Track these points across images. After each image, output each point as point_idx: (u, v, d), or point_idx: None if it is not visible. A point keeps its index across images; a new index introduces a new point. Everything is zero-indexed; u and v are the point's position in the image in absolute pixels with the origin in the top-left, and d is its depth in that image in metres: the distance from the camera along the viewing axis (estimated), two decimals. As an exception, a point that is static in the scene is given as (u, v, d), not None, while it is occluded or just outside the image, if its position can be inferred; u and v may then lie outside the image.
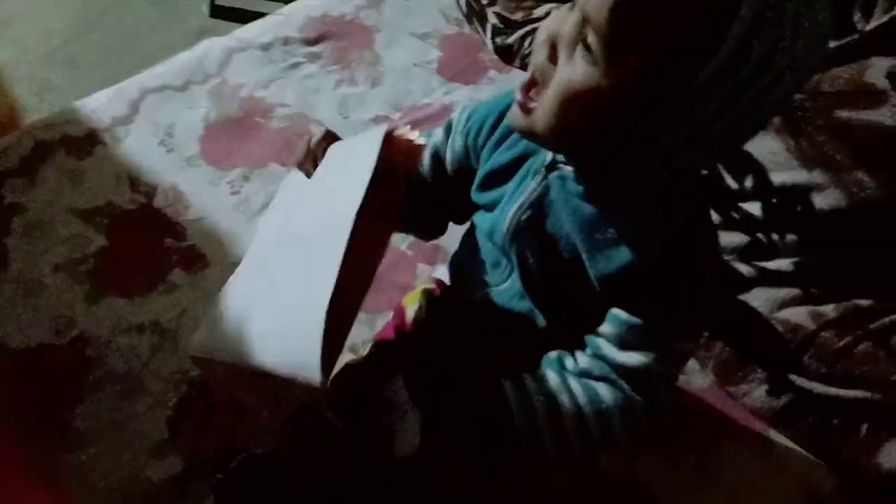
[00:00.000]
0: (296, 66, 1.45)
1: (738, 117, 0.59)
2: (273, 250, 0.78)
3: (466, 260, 0.91)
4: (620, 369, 0.71)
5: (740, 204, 1.06)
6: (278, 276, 0.72)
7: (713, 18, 0.55)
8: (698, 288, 0.69)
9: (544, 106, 0.64)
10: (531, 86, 0.65)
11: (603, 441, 0.71)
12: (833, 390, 1.00)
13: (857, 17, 1.06)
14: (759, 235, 1.05)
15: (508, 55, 1.59)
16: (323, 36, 1.53)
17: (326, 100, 1.41)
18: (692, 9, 0.55)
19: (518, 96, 0.67)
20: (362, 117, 1.39)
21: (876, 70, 0.96)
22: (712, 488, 0.99)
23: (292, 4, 1.59)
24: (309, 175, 0.82)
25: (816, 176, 1.00)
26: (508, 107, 0.78)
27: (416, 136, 0.75)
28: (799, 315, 1.02)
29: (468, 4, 1.65)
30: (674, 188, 0.69)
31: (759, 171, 1.04)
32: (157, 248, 1.13)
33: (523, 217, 0.76)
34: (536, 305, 0.79)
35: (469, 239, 0.91)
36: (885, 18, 0.96)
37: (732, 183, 1.06)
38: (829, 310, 1.01)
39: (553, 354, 0.76)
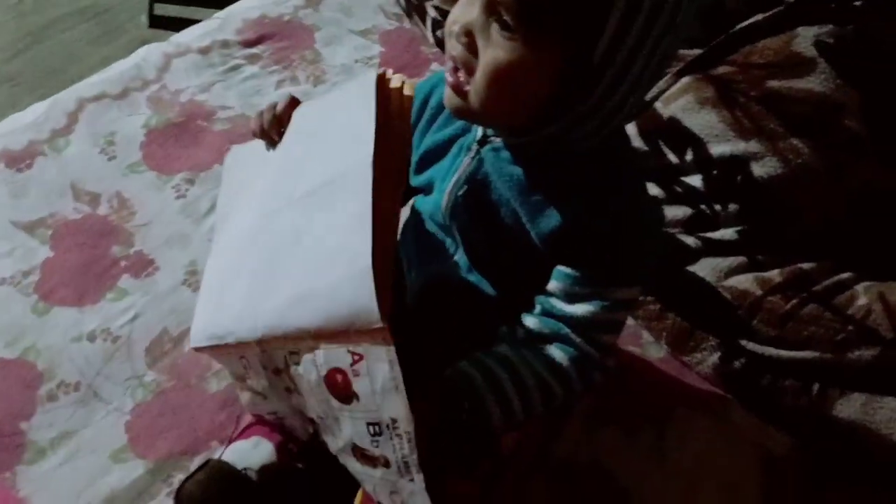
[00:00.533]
0: (236, 68, 1.45)
1: (640, 70, 0.64)
2: (262, 221, 0.77)
3: (411, 245, 0.92)
4: (570, 321, 0.74)
5: (682, 178, 1.09)
6: (284, 242, 0.73)
7: None
8: (637, 235, 0.74)
9: (477, 89, 0.66)
10: (456, 70, 0.68)
11: (565, 397, 0.74)
12: (783, 353, 1.03)
13: (784, -10, 1.10)
14: (702, 207, 1.09)
15: (450, 47, 1.60)
16: (262, 37, 1.53)
17: (269, 100, 1.40)
18: None
19: (449, 78, 0.69)
20: (306, 116, 1.40)
21: (803, 39, 1.00)
22: (672, 463, 1.01)
23: (229, 8, 1.59)
24: (273, 143, 0.82)
25: (753, 146, 1.04)
26: (434, 87, 0.81)
27: (405, 84, 0.74)
28: (746, 282, 1.06)
29: (407, 0, 1.66)
30: (604, 153, 0.72)
31: (698, 144, 1.08)
32: (104, 256, 1.12)
33: (460, 193, 0.79)
34: (486, 277, 0.81)
35: (412, 224, 0.92)
36: (808, -12, 1.00)
37: (673, 157, 1.10)
38: (775, 275, 1.05)
39: (503, 329, 0.78)
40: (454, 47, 0.67)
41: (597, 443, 1.01)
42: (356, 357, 0.67)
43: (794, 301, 1.03)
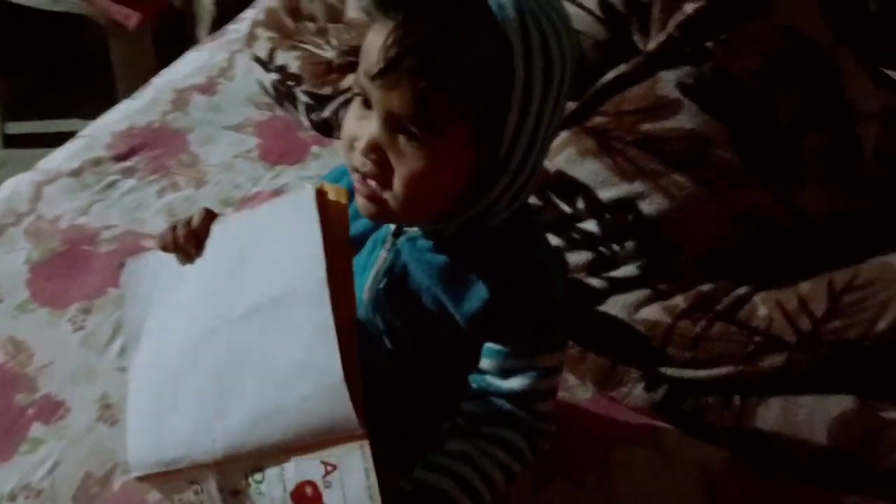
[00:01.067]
0: (112, 185, 1.42)
1: (541, 143, 0.70)
2: (197, 340, 0.76)
3: None
4: (509, 396, 0.77)
5: (577, 224, 1.15)
6: (229, 361, 0.74)
7: (499, 76, 0.64)
8: (552, 302, 0.78)
9: (398, 198, 0.69)
10: (365, 179, 0.70)
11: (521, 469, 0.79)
12: (700, 372, 1.10)
13: (636, 38, 1.19)
14: (601, 249, 1.15)
15: (327, 129, 1.63)
16: (134, 149, 1.51)
17: (153, 212, 1.39)
18: (480, 76, 0.63)
19: (362, 188, 0.71)
20: (194, 221, 1.38)
21: (666, 83, 1.09)
22: (622, 500, 1.05)
23: (94, 124, 1.56)
24: (190, 258, 0.80)
25: (637, 186, 1.11)
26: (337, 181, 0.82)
27: (339, 194, 0.74)
28: (654, 312, 1.12)
29: (275, 89, 1.68)
30: (513, 222, 0.76)
31: (587, 191, 1.14)
32: (8, 407, 1.06)
33: (381, 286, 0.81)
34: (413, 364, 0.85)
35: None
36: (662, 37, 1.09)
37: (566, 208, 1.15)
38: (680, 301, 1.12)
39: (446, 426, 0.80)
40: (362, 163, 0.69)
41: (546, 499, 1.03)
42: (329, 468, 0.69)
43: (703, 322, 1.10)
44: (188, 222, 0.80)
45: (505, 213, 0.74)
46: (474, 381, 0.79)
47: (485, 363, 0.78)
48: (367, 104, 0.68)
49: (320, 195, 0.72)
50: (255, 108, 1.69)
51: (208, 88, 1.71)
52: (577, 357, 1.16)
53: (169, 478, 0.78)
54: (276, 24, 1.80)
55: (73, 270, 1.26)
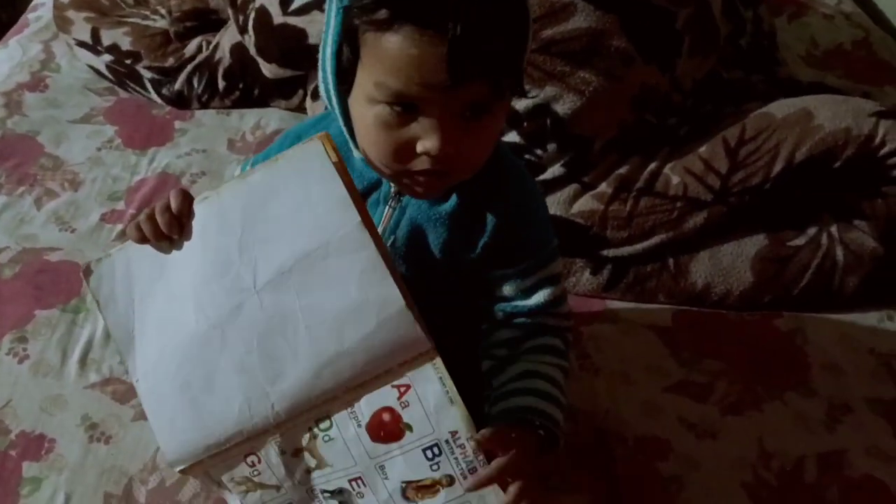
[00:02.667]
0: (-19, 206, 1.33)
1: None
2: (220, 320, 0.77)
3: None
4: (537, 310, 0.86)
5: (501, 139, 1.24)
6: (268, 328, 0.75)
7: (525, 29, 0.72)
8: (545, 216, 0.89)
9: (472, 167, 0.76)
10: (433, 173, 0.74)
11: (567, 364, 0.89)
12: (638, 246, 1.25)
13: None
14: (527, 156, 1.25)
15: (182, 101, 1.60)
16: (-15, 163, 1.40)
17: (40, 224, 1.32)
18: (522, 42, 0.71)
19: (431, 181, 0.75)
20: (89, 223, 1.33)
21: (557, -12, 1.19)
22: (603, 370, 1.19)
23: (-72, 146, 1.43)
24: (173, 244, 0.79)
25: (549, 90, 1.22)
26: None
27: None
28: (587, 203, 1.25)
29: (112, 71, 1.61)
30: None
31: (502, 104, 1.23)
32: (-14, 457, 1.00)
33: (388, 243, 0.85)
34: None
35: None
36: (546, -54, 1.18)
37: (486, 124, 1.24)
38: (604, 188, 1.25)
39: (487, 364, 0.88)
40: (436, 163, 0.72)
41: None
42: (402, 389, 0.74)
43: (630, 202, 1.24)
44: (166, 208, 0.77)
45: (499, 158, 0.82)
46: (499, 309, 0.87)
47: (505, 290, 0.86)
48: (408, 109, 0.70)
49: (326, 142, 0.73)
50: (96, 94, 1.61)
51: (37, 84, 1.61)
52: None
53: (220, 458, 0.80)
54: (87, 4, 1.71)
55: (-15, 303, 1.18)
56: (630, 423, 1.12)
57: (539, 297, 0.86)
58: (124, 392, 1.08)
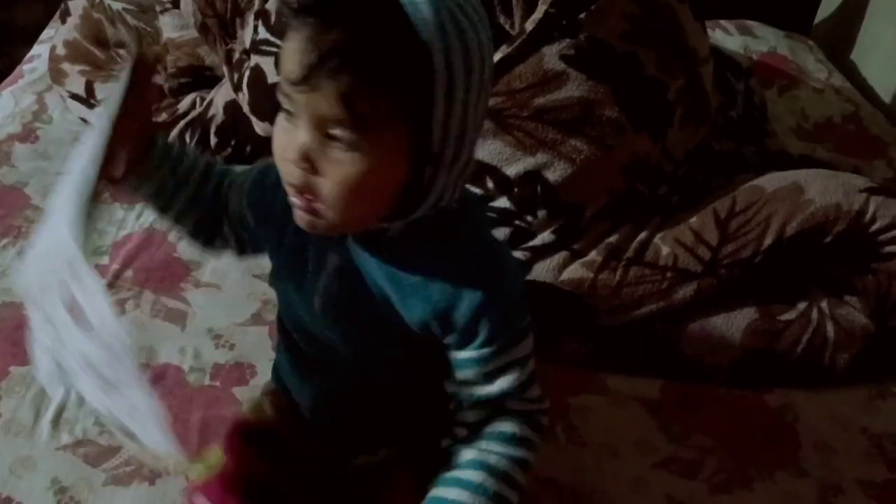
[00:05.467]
0: (-37, 257, 1.31)
1: (472, 133, 0.71)
2: None
3: (287, 365, 0.95)
4: (501, 398, 0.81)
5: (491, 204, 1.24)
6: None
7: (419, 70, 0.65)
8: (513, 291, 0.81)
9: (334, 206, 0.69)
10: (302, 193, 0.70)
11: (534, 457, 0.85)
12: (628, 316, 1.24)
13: (504, 21, 1.29)
14: (517, 223, 1.24)
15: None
16: (-29, 215, 1.39)
17: (20, 277, 1.29)
18: (401, 72, 0.65)
19: (299, 202, 0.71)
20: (72, 278, 1.31)
21: (549, 57, 1.20)
22: (590, 443, 1.16)
23: None
24: None
25: (540, 157, 1.22)
26: (265, 188, 0.84)
27: None
28: (576, 271, 1.24)
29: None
30: (458, 217, 0.78)
31: (493, 171, 1.23)
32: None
33: (333, 291, 0.81)
34: (376, 374, 0.88)
35: (283, 346, 0.95)
36: (539, 15, 1.20)
37: (477, 190, 1.23)
38: (594, 255, 1.24)
39: (448, 442, 0.84)
40: (294, 175, 0.69)
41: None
42: None
43: (620, 271, 1.23)
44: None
45: (446, 206, 0.75)
46: (461, 396, 0.82)
47: (464, 374, 0.80)
48: (292, 114, 0.68)
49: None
50: (87, 144, 1.60)
51: (27, 136, 1.61)
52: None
53: None
54: (83, 57, 1.72)
55: (-41, 358, 1.15)
56: (617, 500, 1.09)
57: (504, 384, 0.80)
58: (97, 455, 1.05)
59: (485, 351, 0.78)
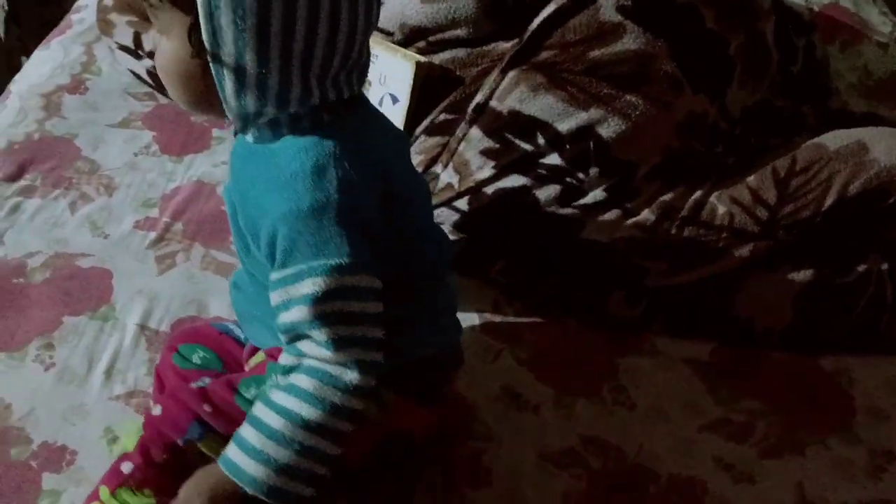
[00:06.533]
0: (16, 208, 1.32)
1: (257, 41, 0.70)
2: None
3: None
4: (291, 329, 0.77)
5: (541, 160, 1.21)
6: None
7: None
8: (315, 213, 0.74)
9: (162, 75, 0.80)
10: None
11: (352, 420, 0.78)
12: (681, 277, 1.21)
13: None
14: (568, 180, 1.22)
15: (221, 110, 1.58)
16: (22, 166, 1.40)
17: (72, 228, 1.31)
18: None
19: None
20: (122, 229, 1.32)
21: (605, 9, 1.17)
22: (640, 406, 1.15)
23: (-35, 148, 1.43)
24: None
25: (594, 113, 1.19)
26: None
27: None
28: (628, 230, 1.21)
29: (152, 76, 1.60)
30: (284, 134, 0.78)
31: (545, 126, 1.20)
32: (8, 465, 0.98)
33: (225, 186, 0.88)
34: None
35: None
36: (596, -35, 1.16)
37: (527, 146, 1.21)
38: (647, 214, 1.22)
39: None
40: None
41: (577, 418, 1.12)
42: None
43: (674, 231, 1.21)
44: None
45: (273, 118, 0.76)
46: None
47: (272, 297, 0.78)
48: None
49: None
50: (135, 99, 1.61)
51: (77, 87, 1.61)
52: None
53: None
54: (130, 7, 1.70)
55: (14, 307, 1.17)
56: (664, 461, 1.07)
57: (292, 315, 0.76)
58: (148, 406, 1.06)
59: (277, 272, 0.77)
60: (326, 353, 0.76)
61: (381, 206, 0.79)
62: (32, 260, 1.24)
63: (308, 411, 0.76)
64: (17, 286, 1.20)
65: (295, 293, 0.75)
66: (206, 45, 0.72)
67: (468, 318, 1.20)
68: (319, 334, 0.75)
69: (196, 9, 0.70)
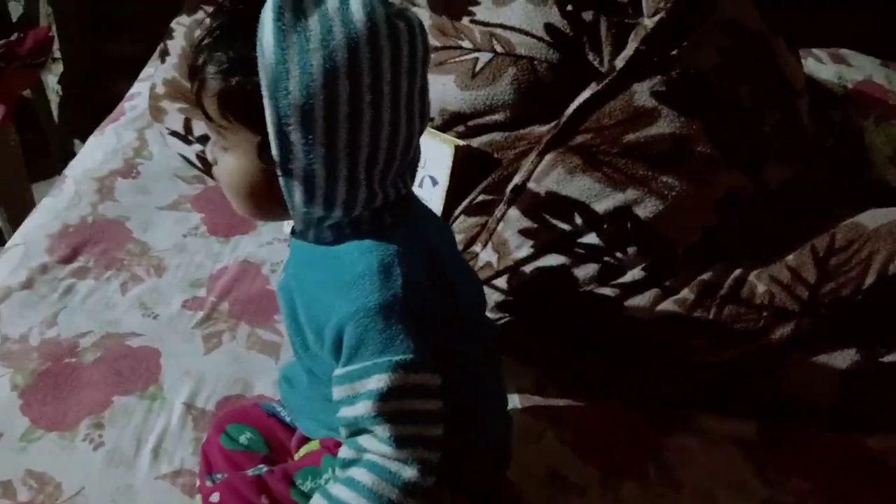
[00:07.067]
0: (69, 290, 1.36)
1: (327, 153, 0.73)
2: None
3: None
4: (354, 423, 0.78)
5: (579, 240, 1.23)
6: None
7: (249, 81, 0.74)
8: (381, 312, 0.77)
9: (228, 196, 0.85)
10: None
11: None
12: (722, 355, 1.21)
13: (592, 58, 1.29)
14: (606, 259, 1.23)
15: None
16: (76, 248, 1.45)
17: (124, 308, 1.34)
18: (234, 82, 0.75)
19: None
20: (171, 310, 1.35)
21: (640, 94, 1.19)
22: (673, 489, 1.14)
23: (22, 230, 1.48)
24: None
25: (630, 193, 1.21)
26: None
27: None
28: (668, 308, 1.22)
29: (202, 160, 1.66)
30: (348, 236, 0.81)
31: (582, 207, 1.22)
32: (55, 546, 1.01)
33: (280, 283, 0.91)
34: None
35: None
36: (630, 52, 1.19)
37: (565, 226, 1.23)
38: (687, 293, 1.22)
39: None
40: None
41: (622, 498, 1.11)
42: None
43: (714, 310, 1.21)
44: None
45: (337, 221, 0.80)
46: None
47: (334, 392, 0.80)
48: None
49: None
50: (185, 182, 1.66)
51: (129, 171, 1.66)
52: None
53: None
54: (182, 95, 1.77)
55: (66, 387, 1.20)
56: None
57: (357, 410, 0.77)
58: (193, 485, 1.07)
59: (342, 370, 0.79)
60: (387, 450, 0.77)
61: (433, 294, 0.82)
62: (84, 340, 1.28)
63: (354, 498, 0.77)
64: (70, 366, 1.23)
65: (361, 388, 0.77)
66: (277, 159, 0.74)
67: (510, 399, 1.21)
68: (382, 430, 0.77)
69: (265, 128, 0.73)
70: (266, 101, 0.72)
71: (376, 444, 0.77)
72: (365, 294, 0.77)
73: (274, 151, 0.74)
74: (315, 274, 0.83)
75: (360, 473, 0.78)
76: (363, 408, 0.77)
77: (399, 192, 0.82)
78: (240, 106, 0.75)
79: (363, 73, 0.72)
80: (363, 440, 0.78)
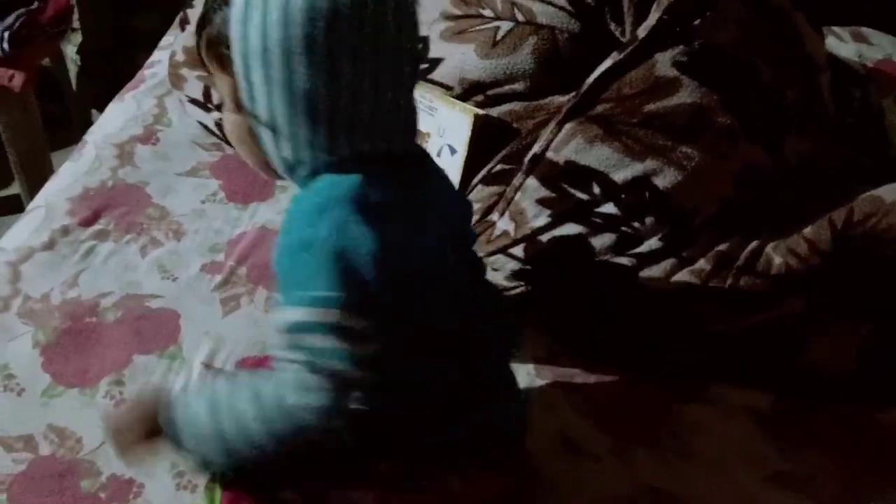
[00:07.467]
0: (90, 251, 1.38)
1: (289, 101, 0.76)
2: None
3: None
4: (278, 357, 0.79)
5: (597, 209, 1.23)
6: None
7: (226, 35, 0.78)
8: (310, 249, 0.77)
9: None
10: None
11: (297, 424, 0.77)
12: (737, 325, 1.21)
13: (614, 28, 1.29)
14: (623, 229, 1.23)
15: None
16: (97, 211, 1.46)
17: (144, 270, 1.36)
18: (215, 34, 0.80)
19: None
20: (189, 273, 1.36)
21: (662, 64, 1.19)
22: (686, 458, 1.15)
23: (44, 193, 1.49)
24: None
25: (649, 163, 1.21)
26: None
27: None
28: (684, 278, 1.22)
29: (220, 127, 1.67)
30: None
31: (600, 176, 1.23)
32: (78, 497, 1.02)
33: None
34: None
35: None
36: (653, 21, 1.19)
37: (583, 195, 1.23)
38: (703, 263, 1.22)
39: None
40: None
41: (636, 465, 1.12)
42: None
43: (730, 280, 1.21)
44: None
45: (305, 172, 0.81)
46: None
47: None
48: None
49: None
50: (203, 149, 1.67)
51: (148, 138, 1.67)
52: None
53: None
54: (201, 63, 1.77)
55: (87, 345, 1.21)
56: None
57: (279, 339, 0.78)
58: (213, 442, 1.09)
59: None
60: (295, 379, 0.76)
61: (398, 262, 0.80)
62: (105, 300, 1.29)
63: (265, 396, 0.78)
64: (91, 325, 1.25)
65: (282, 319, 0.78)
66: (244, 103, 0.79)
67: (523, 367, 1.22)
68: (294, 362, 0.77)
69: (229, 72, 0.79)
70: (232, 46, 0.76)
71: (290, 374, 0.77)
72: (292, 230, 0.80)
73: (240, 94, 0.79)
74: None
75: (266, 389, 0.78)
76: (282, 338, 0.78)
77: (379, 148, 0.81)
78: (219, 52, 0.80)
79: (318, 19, 0.73)
80: (279, 366, 0.78)
